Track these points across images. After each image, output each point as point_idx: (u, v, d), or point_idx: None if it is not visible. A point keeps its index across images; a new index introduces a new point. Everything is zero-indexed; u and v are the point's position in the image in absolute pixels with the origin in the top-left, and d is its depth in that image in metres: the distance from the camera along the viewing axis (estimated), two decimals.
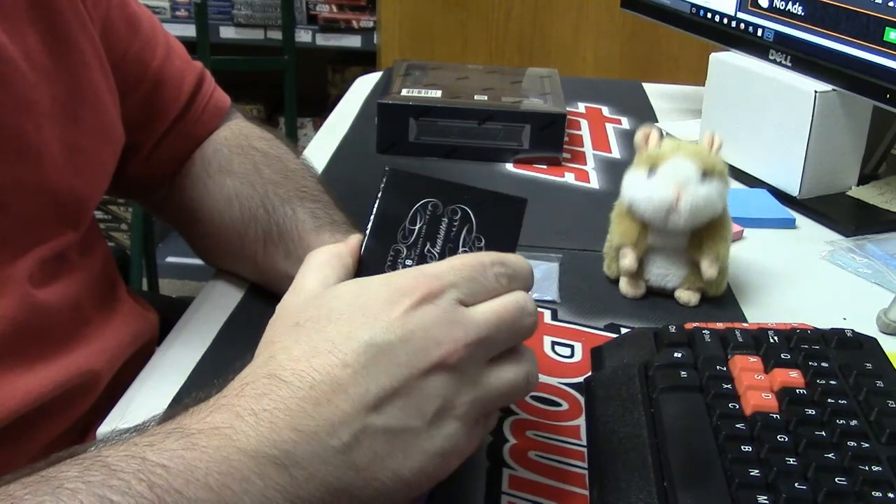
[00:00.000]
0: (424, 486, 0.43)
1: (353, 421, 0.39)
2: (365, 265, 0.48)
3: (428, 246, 0.48)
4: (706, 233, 0.68)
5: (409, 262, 0.48)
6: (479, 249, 0.48)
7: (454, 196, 0.49)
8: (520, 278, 0.46)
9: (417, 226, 0.48)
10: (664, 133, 1.06)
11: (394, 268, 0.48)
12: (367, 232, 0.49)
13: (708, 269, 0.67)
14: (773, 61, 0.91)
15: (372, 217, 0.49)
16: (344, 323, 0.41)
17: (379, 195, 0.49)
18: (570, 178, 0.95)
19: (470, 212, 0.48)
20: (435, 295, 0.42)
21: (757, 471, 0.44)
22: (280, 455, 0.38)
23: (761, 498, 0.42)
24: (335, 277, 0.46)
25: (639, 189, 0.67)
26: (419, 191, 0.49)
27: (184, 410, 0.40)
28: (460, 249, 0.48)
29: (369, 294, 0.42)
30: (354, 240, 0.49)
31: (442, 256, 0.47)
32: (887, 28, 0.78)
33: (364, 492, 0.40)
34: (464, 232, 0.48)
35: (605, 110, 1.17)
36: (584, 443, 0.54)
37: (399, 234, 0.48)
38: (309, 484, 0.39)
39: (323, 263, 0.46)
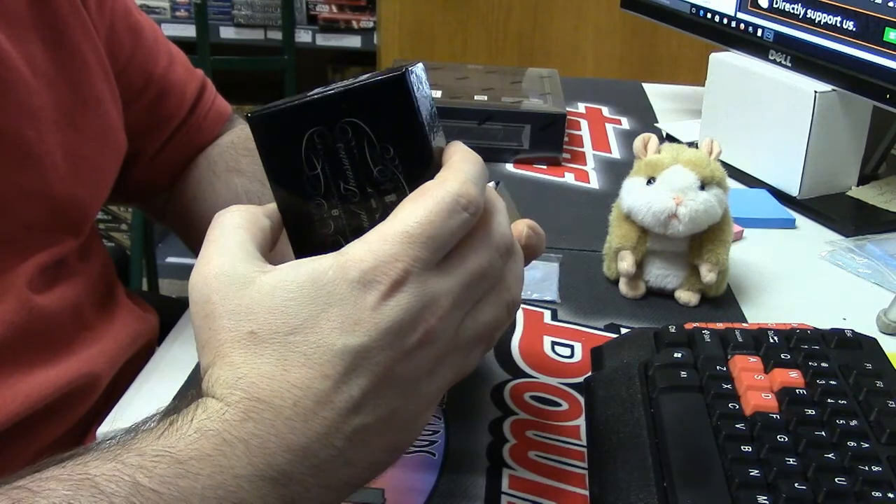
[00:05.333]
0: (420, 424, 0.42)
1: (343, 426, 0.38)
2: (295, 237, 0.43)
3: (342, 185, 0.42)
4: (706, 237, 0.68)
5: (334, 211, 0.42)
6: (392, 161, 0.42)
7: (331, 112, 0.41)
8: (476, 192, 0.40)
9: (318, 168, 0.42)
10: (665, 135, 1.06)
11: (324, 226, 0.43)
12: (275, 200, 0.43)
13: (707, 274, 0.68)
14: (773, 61, 0.91)
15: (269, 183, 0.43)
16: (310, 331, 0.38)
17: (259, 154, 0.43)
18: (570, 178, 0.95)
19: (358, 122, 0.41)
20: (400, 283, 0.39)
21: (757, 471, 0.44)
22: (277, 476, 0.38)
23: (761, 498, 0.42)
24: (254, 243, 0.42)
25: (638, 197, 0.68)
26: (294, 126, 0.42)
27: (169, 425, 0.38)
28: (375, 172, 0.42)
29: (328, 293, 0.39)
30: (272, 205, 0.45)
31: (362, 190, 0.42)
32: (887, 28, 0.78)
33: (362, 474, 0.40)
34: (367, 150, 0.41)
35: (605, 110, 1.17)
36: (584, 443, 0.54)
37: (308, 187, 0.42)
38: (309, 492, 0.39)
39: (237, 226, 0.43)
